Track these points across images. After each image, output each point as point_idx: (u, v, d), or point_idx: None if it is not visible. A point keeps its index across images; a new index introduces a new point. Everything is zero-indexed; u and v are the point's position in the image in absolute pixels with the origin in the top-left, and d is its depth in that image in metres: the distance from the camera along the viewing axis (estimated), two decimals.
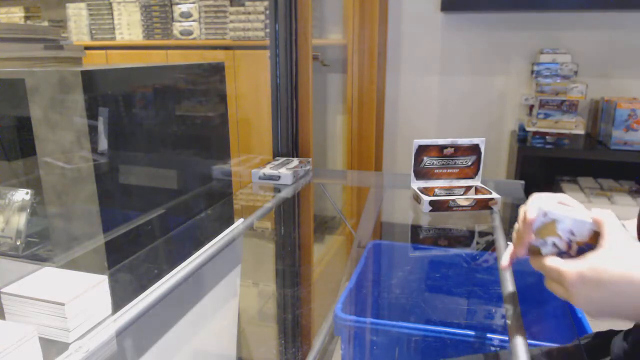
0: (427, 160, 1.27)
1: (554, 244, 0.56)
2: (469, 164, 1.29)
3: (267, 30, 2.35)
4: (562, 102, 1.96)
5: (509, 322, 0.72)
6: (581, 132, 1.96)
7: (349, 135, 2.31)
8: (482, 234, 1.68)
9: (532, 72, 2.02)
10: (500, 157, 2.38)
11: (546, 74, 1.98)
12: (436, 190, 1.28)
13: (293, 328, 1.23)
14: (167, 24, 2.50)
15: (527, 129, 2.01)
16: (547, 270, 0.55)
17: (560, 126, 1.97)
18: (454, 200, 1.21)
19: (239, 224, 1.04)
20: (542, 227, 0.57)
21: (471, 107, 2.35)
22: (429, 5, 2.28)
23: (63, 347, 0.57)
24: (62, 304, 0.57)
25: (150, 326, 0.74)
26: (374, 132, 2.27)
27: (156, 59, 2.50)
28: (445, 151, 1.26)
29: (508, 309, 0.78)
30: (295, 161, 1.45)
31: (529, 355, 0.63)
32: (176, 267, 0.81)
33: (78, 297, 0.59)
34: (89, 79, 0.77)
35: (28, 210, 0.80)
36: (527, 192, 1.35)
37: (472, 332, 1.01)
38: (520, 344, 0.65)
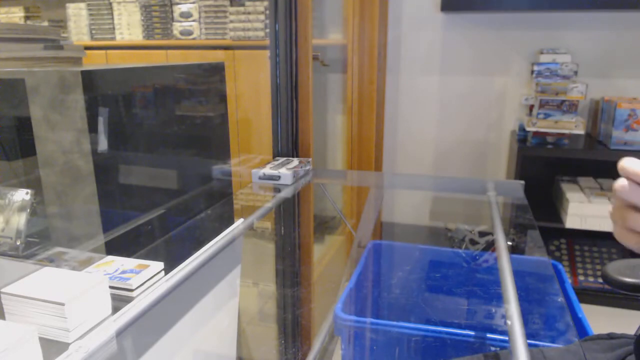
0: None
1: None
2: None
3: (267, 30, 2.35)
4: (562, 102, 1.96)
5: (509, 322, 0.72)
6: (581, 132, 1.96)
7: (349, 135, 2.31)
8: (482, 234, 1.68)
9: (532, 72, 2.02)
10: (500, 157, 2.37)
11: (546, 74, 1.98)
12: None
13: (293, 328, 1.23)
14: (167, 24, 2.50)
15: (527, 129, 2.01)
16: None
17: (560, 126, 1.97)
18: None
19: (238, 224, 1.04)
20: None
21: (471, 107, 2.35)
22: (429, 5, 2.28)
23: (63, 347, 0.57)
24: (62, 304, 0.57)
25: (150, 326, 0.74)
26: (374, 132, 2.27)
27: (156, 59, 2.50)
28: None
29: (508, 309, 0.77)
30: (295, 161, 1.45)
31: (529, 355, 0.63)
32: (176, 267, 0.80)
33: (78, 297, 0.59)
34: (89, 79, 0.77)
35: (28, 210, 0.80)
36: (527, 192, 1.35)
37: (472, 332, 1.01)
38: (520, 344, 0.65)
